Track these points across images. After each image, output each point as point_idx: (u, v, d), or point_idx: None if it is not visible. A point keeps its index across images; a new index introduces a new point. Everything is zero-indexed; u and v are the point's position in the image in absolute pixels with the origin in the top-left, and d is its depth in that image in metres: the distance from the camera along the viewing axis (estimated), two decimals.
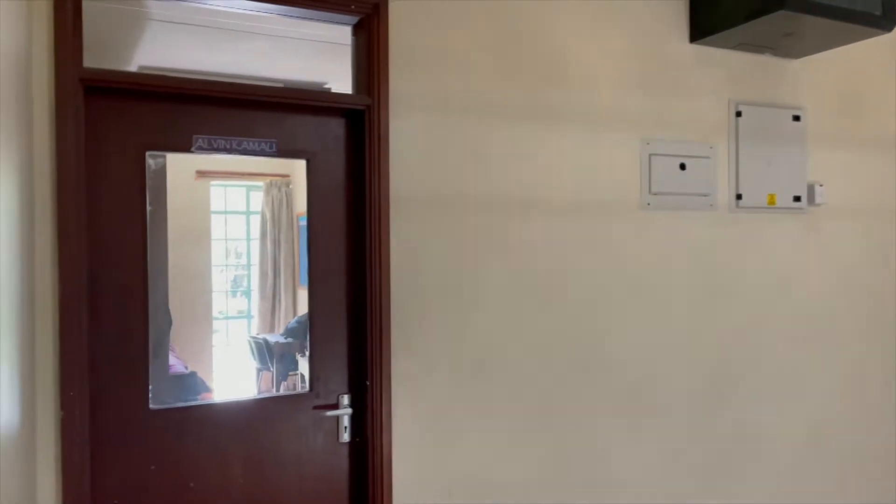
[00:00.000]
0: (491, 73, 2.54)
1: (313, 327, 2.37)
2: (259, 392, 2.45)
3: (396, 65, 2.36)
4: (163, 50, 2.34)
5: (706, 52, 2.99)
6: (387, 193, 2.32)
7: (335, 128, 2.40)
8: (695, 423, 2.96)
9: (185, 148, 2.19)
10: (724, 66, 3.03)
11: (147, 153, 2.15)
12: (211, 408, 2.24)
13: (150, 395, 2.15)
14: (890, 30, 2.82)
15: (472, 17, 2.50)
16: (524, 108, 2.61)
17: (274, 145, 2.29)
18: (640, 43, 2.84)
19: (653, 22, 2.87)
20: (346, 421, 2.38)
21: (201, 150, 2.21)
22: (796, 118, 3.20)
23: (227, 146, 2.23)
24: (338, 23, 2.41)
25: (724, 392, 3.03)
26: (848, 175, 3.35)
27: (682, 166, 2.94)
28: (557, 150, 2.67)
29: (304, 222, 3.57)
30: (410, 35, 2.39)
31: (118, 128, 2.10)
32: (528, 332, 2.60)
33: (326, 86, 4.77)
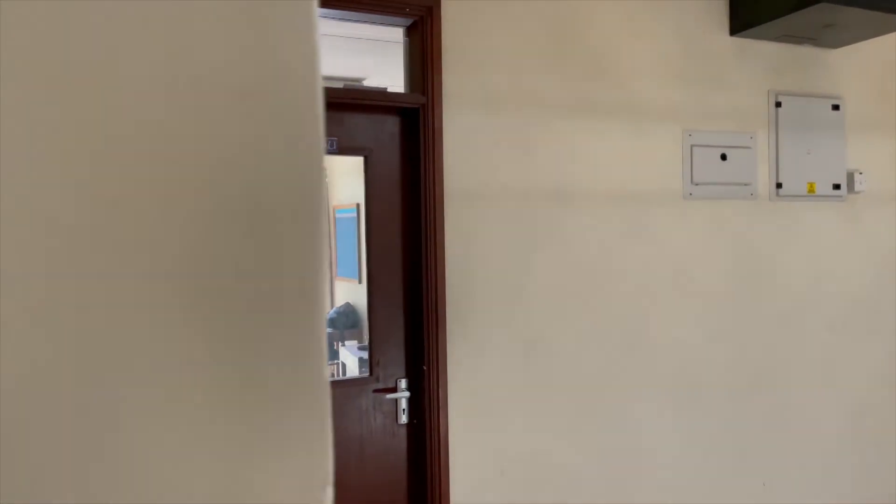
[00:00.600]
0: (538, 71, 2.64)
1: (372, 315, 2.50)
2: None
3: (448, 64, 2.47)
4: None
5: (746, 45, 3.05)
6: (441, 187, 2.43)
7: (391, 125, 2.52)
8: (735, 409, 3.04)
9: None
10: (763, 58, 3.09)
11: None
12: None
13: None
14: None
15: (519, 17, 2.60)
16: (570, 103, 2.70)
17: (334, 143, 2.42)
18: (681, 37, 2.91)
19: (693, 16, 2.94)
20: (403, 404, 2.51)
21: None
22: (835, 107, 3.25)
23: None
24: (391, 24, 2.53)
25: (763, 378, 3.10)
26: (887, 162, 3.39)
27: (724, 157, 3.01)
28: (602, 143, 2.76)
29: (341, 215, 3.68)
30: (461, 35, 2.50)
31: None
32: (575, 320, 2.71)
33: (365, 81, 4.89)
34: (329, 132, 2.42)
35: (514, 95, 2.60)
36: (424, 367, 2.47)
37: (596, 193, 2.76)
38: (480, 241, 2.54)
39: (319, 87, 0.46)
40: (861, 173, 3.29)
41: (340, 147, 2.44)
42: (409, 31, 2.53)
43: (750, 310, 3.07)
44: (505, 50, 2.58)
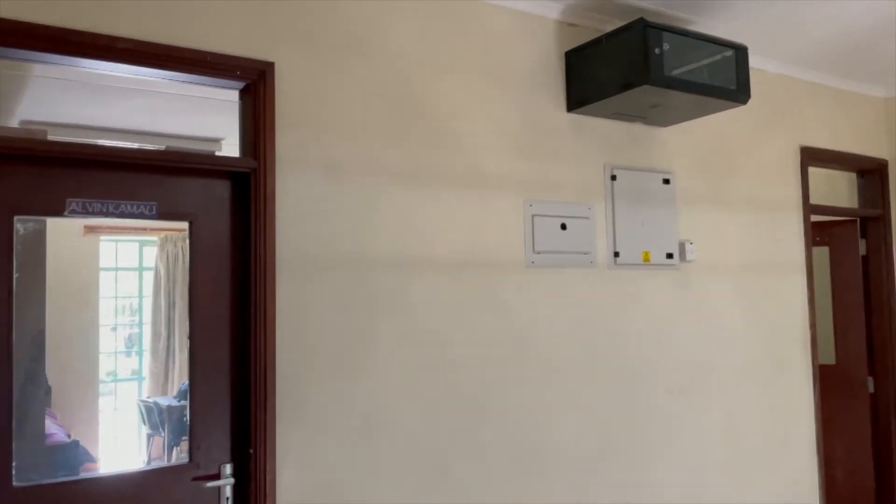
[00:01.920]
0: (380, 138, 2.61)
1: (194, 395, 2.30)
2: (150, 459, 2.34)
3: (284, 128, 2.39)
4: (48, 104, 2.27)
5: (583, 121, 3.19)
6: (272, 256, 2.31)
7: (220, 190, 2.38)
8: (584, 478, 3.05)
9: (58, 212, 2.11)
10: (599, 134, 3.24)
11: (15, 218, 2.06)
12: (79, 485, 2.12)
13: (13, 472, 2.01)
14: (745, 102, 3.11)
15: (361, 84, 2.58)
16: (413, 171, 2.69)
17: (154, 208, 2.25)
18: (522, 111, 3.00)
19: (533, 92, 3.04)
20: (227, 492, 2.30)
21: (75, 213, 2.14)
22: (666, 181, 3.45)
23: (104, 210, 2.17)
24: (224, 87, 2.42)
25: (611, 444, 3.14)
26: (713, 233, 3.63)
27: (564, 226, 3.09)
28: (446, 212, 2.76)
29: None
30: (299, 100, 2.43)
31: None
32: (419, 391, 2.63)
33: (225, 140, 4.70)
34: (148, 196, 2.26)
35: (355, 162, 2.54)
36: (251, 451, 2.29)
37: (440, 261, 2.73)
38: (317, 312, 2.43)
39: None
40: (692, 243, 3.49)
41: (161, 212, 2.27)
42: (243, 94, 2.44)
43: (593, 375, 3.12)
44: (346, 116, 2.54)
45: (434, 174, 2.74)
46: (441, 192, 2.75)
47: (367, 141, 2.57)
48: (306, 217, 2.42)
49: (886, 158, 4.53)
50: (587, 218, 3.18)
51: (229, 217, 2.39)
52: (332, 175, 2.48)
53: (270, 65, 2.36)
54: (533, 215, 3.00)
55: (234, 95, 2.46)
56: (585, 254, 3.15)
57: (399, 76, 2.67)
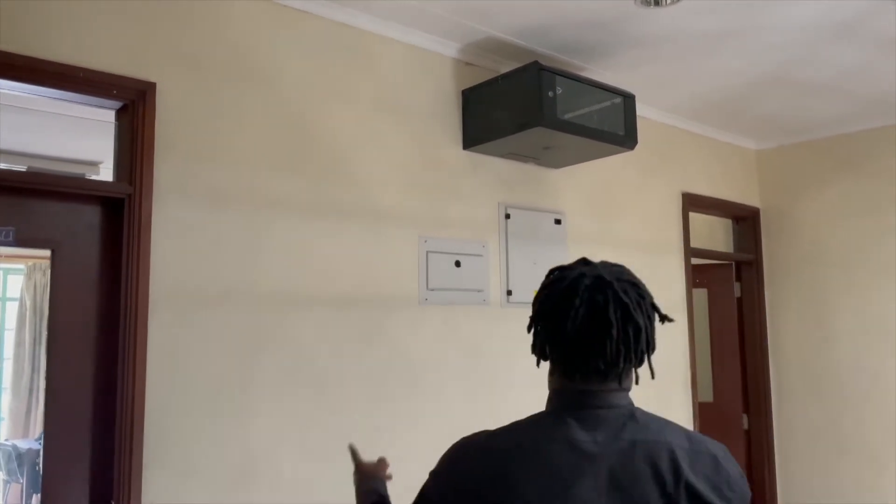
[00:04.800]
0: (270, 167, 2.50)
1: (50, 440, 2.08)
2: None
3: (165, 152, 2.25)
4: None
5: (479, 159, 3.21)
6: (145, 290, 2.15)
7: (89, 216, 2.20)
8: None
9: None
10: (494, 172, 3.27)
11: None
12: None
13: None
14: (632, 148, 3.23)
15: (251, 111, 2.48)
16: (304, 203, 2.59)
17: (11, 234, 2.05)
18: (417, 146, 2.98)
19: (429, 128, 3.04)
20: None
21: None
22: (558, 221, 3.52)
23: None
24: (100, 106, 2.26)
25: None
26: None
27: (458, 263, 3.07)
28: (337, 246, 2.67)
29: None
30: (182, 124, 2.30)
31: None
32: (302, 436, 2.50)
33: (104, 164, 4.41)
34: (5, 220, 2.05)
35: (241, 191, 2.42)
36: (112, 502, 2.08)
37: (330, 297, 2.63)
38: (195, 350, 2.27)
39: None
40: None
41: (19, 238, 2.07)
42: (120, 115, 2.28)
43: (482, 413, 3.08)
44: (233, 143, 2.42)
45: (326, 207, 2.65)
46: (333, 226, 2.67)
47: (254, 170, 2.46)
48: (186, 249, 2.27)
49: (759, 206, 4.85)
50: (481, 255, 3.18)
51: (99, 246, 2.21)
52: (215, 204, 2.35)
53: (151, 85, 2.22)
54: (427, 251, 2.97)
55: (113, 116, 2.30)
56: (479, 291, 3.14)
57: (291, 105, 2.59)
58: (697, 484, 1.08)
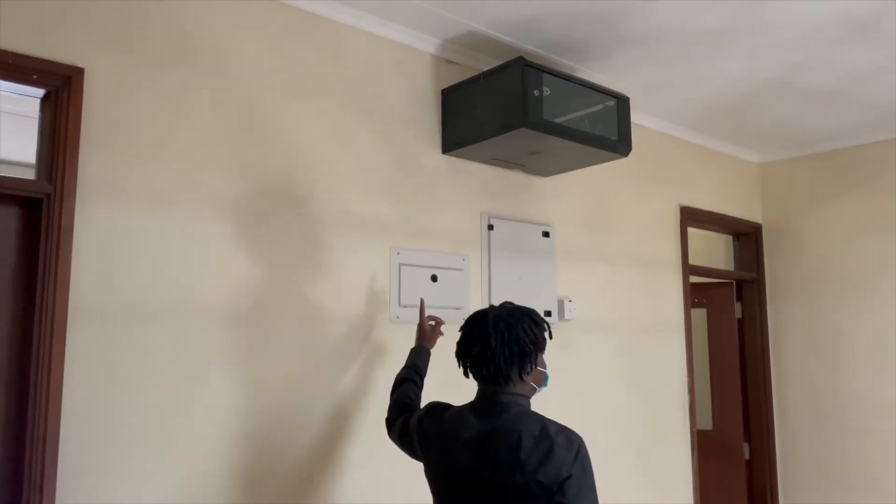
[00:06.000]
0: (218, 166, 2.24)
1: None
2: None
3: (93, 147, 1.98)
4: None
5: (459, 165, 2.94)
6: (64, 301, 1.87)
7: (6, 219, 1.93)
8: None
9: None
10: (476, 180, 3.01)
11: None
12: None
13: None
14: (626, 154, 2.97)
15: (197, 102, 2.21)
16: (258, 207, 2.32)
17: None
18: (391, 150, 2.72)
19: (404, 129, 2.77)
20: None
21: None
22: (546, 234, 3.25)
23: None
24: (19, 93, 1.99)
25: None
26: (595, 291, 3.45)
27: (434, 278, 2.80)
28: (297, 257, 2.40)
29: None
30: (115, 114, 2.03)
31: None
32: (247, 472, 2.21)
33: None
34: None
35: (183, 193, 2.15)
36: None
37: (288, 313, 2.35)
38: (124, 373, 1.98)
39: None
40: (570, 301, 3.29)
41: None
42: (44, 104, 2.01)
43: None
44: (175, 138, 2.15)
45: (284, 213, 2.38)
46: (291, 235, 2.39)
47: (199, 169, 2.19)
48: (115, 256, 1.99)
49: (761, 222, 4.59)
50: (461, 270, 2.91)
51: (15, 252, 1.93)
52: (152, 207, 2.08)
53: (78, 71, 1.96)
54: (400, 264, 2.70)
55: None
56: (458, 309, 2.86)
57: (244, 99, 2.33)
58: (526, 459, 1.54)
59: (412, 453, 1.88)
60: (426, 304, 2.76)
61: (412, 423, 1.87)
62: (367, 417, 2.50)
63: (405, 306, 2.68)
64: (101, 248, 1.96)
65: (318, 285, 2.44)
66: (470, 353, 1.71)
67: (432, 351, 2.34)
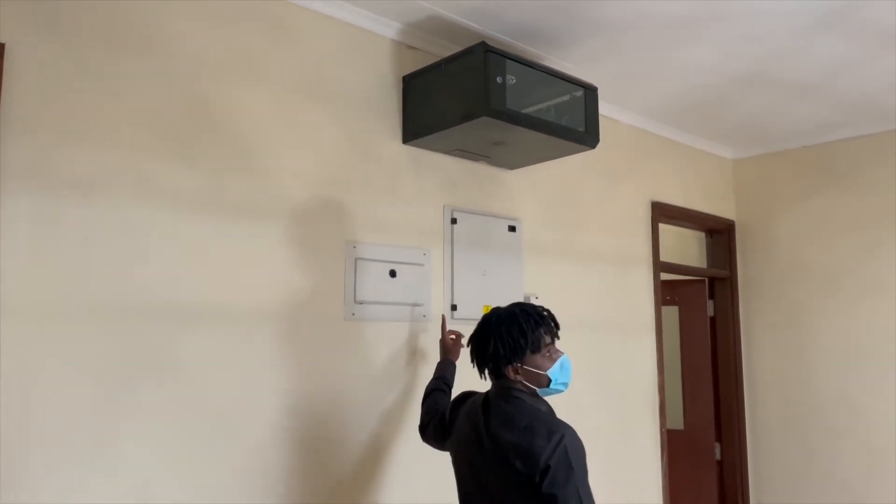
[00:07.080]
0: (156, 153, 2.09)
1: None
2: None
3: (14, 130, 1.83)
4: None
5: (421, 155, 2.82)
6: None
7: None
8: None
9: None
10: (439, 171, 2.89)
11: None
12: None
13: None
14: (593, 146, 2.86)
15: (132, 84, 2.06)
16: (200, 197, 2.18)
17: None
18: (348, 138, 2.59)
19: (363, 118, 2.65)
20: None
21: None
22: (512, 228, 3.14)
23: None
24: None
25: None
26: (563, 287, 3.35)
27: (393, 273, 2.68)
28: (243, 250, 2.26)
29: None
30: (39, 95, 1.88)
31: None
32: (190, 480, 2.07)
33: None
34: None
35: (117, 181, 2.00)
36: None
37: (231, 311, 2.22)
38: (49, 377, 1.83)
39: None
40: (537, 297, 3.18)
41: None
42: None
43: (419, 453, 2.68)
44: (108, 122, 2.00)
45: (227, 203, 2.24)
46: (236, 227, 2.26)
47: (134, 155, 2.04)
48: (40, 250, 1.85)
49: (734, 219, 4.52)
50: (422, 265, 2.79)
51: None
52: (82, 196, 1.93)
53: None
54: (357, 258, 2.57)
55: None
56: (418, 306, 2.75)
57: (185, 81, 2.18)
58: (500, 432, 1.77)
59: (446, 446, 2.08)
60: (385, 301, 2.66)
61: (448, 415, 2.08)
62: (317, 416, 2.37)
63: (361, 302, 2.56)
64: (23, 241, 1.81)
65: (263, 281, 2.30)
66: (473, 353, 1.94)
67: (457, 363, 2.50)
